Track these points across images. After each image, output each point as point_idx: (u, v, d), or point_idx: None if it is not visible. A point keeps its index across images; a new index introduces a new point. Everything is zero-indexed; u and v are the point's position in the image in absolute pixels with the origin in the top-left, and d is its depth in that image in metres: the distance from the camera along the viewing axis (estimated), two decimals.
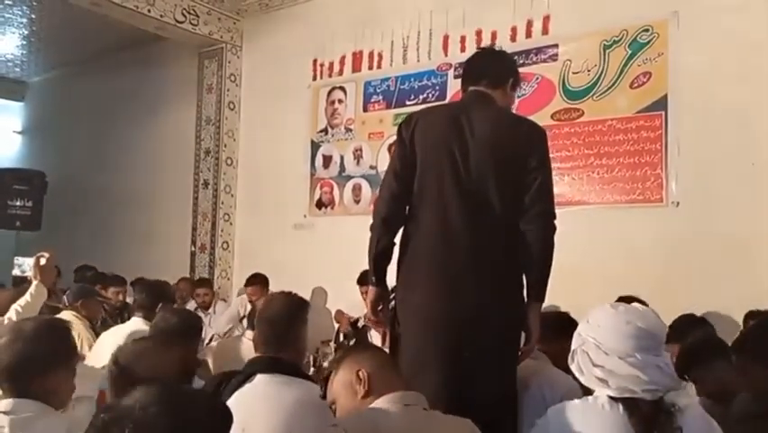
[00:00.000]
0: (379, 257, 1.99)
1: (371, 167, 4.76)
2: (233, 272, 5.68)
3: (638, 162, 3.59)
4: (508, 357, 1.89)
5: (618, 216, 3.64)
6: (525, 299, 1.93)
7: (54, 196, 6.70)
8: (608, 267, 3.50)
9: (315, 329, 2.35)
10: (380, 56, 4.75)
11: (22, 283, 3.47)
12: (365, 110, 4.85)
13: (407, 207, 2.01)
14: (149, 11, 5.06)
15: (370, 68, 4.81)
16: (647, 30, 3.61)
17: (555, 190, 2.00)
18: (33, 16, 6.15)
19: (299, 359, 1.93)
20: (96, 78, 7.14)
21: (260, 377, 1.77)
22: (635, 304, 1.55)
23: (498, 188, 1.88)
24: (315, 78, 5.16)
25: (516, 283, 1.94)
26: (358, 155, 4.86)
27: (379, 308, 2.04)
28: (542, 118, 3.62)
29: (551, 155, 2.01)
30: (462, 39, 4.28)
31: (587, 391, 1.51)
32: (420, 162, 1.96)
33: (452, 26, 4.36)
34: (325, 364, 2.91)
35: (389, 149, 4.40)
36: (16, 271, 3.82)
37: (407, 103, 4.57)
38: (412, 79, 4.59)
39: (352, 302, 4.05)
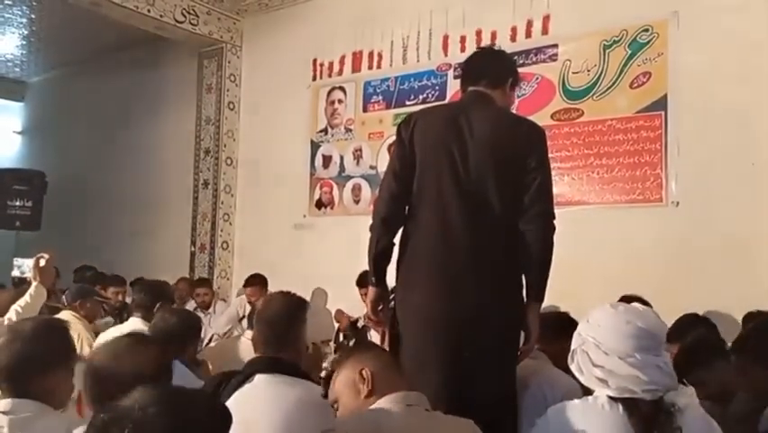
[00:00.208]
0: (379, 257, 1.99)
1: (371, 167, 4.76)
2: (233, 272, 5.67)
3: (638, 162, 3.59)
4: (508, 357, 1.90)
5: (618, 216, 3.63)
6: (525, 299, 1.93)
7: (54, 196, 6.68)
8: (608, 267, 3.50)
9: (315, 329, 2.35)
10: (380, 56, 4.74)
11: (21, 284, 3.46)
12: (365, 110, 4.84)
13: (407, 208, 2.01)
14: (148, 11, 5.05)
15: (370, 68, 4.81)
16: (647, 30, 3.60)
17: (555, 190, 2.00)
18: (33, 16, 6.14)
19: (299, 359, 1.93)
20: (95, 78, 7.13)
21: (259, 377, 1.76)
22: (636, 304, 1.55)
23: (497, 188, 1.88)
24: (314, 78, 5.16)
25: (516, 283, 1.94)
26: (358, 155, 4.86)
27: (379, 308, 2.04)
28: (542, 118, 3.62)
29: (550, 155, 2.01)
30: (462, 39, 4.28)
31: (587, 391, 1.51)
32: (419, 162, 1.96)
33: (452, 26, 4.36)
34: (325, 364, 2.92)
35: (389, 149, 4.39)
36: (16, 273, 3.82)
37: (407, 103, 4.56)
38: (412, 79, 4.58)
39: (352, 302, 4.04)
